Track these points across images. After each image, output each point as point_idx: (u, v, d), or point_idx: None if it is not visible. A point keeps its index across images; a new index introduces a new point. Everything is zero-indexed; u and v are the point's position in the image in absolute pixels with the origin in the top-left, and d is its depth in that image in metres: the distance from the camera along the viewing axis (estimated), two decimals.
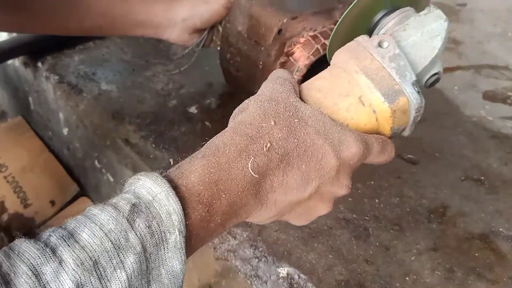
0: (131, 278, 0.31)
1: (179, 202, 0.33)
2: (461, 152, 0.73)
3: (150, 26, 0.72)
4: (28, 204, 0.96)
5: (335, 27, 0.48)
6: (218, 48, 0.76)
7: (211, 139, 0.40)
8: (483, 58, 0.96)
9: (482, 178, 0.68)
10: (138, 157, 0.72)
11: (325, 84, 0.44)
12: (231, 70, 0.74)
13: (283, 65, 0.66)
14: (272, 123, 0.39)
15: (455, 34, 1.04)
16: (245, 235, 0.60)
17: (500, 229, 0.61)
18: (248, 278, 0.58)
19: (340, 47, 0.45)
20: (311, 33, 0.65)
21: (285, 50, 0.66)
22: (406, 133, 0.46)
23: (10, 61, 1.00)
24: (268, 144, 0.38)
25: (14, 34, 0.96)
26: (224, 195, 0.36)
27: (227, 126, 0.42)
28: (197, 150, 0.39)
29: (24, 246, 0.29)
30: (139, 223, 0.32)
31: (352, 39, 0.45)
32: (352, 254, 0.58)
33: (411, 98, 0.42)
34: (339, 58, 0.44)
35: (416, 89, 0.42)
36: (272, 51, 0.65)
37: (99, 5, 0.68)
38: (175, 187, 0.34)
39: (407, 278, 0.55)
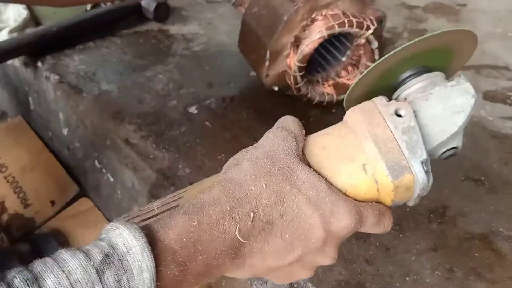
0: None
1: (153, 259, 0.32)
2: (461, 152, 0.72)
3: None
4: (28, 204, 0.96)
5: (358, 78, 0.45)
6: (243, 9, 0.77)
7: (197, 193, 0.38)
8: (483, 58, 0.96)
9: (482, 178, 0.68)
10: (138, 157, 0.72)
11: (331, 143, 0.42)
12: (251, 23, 0.74)
13: (304, 28, 0.70)
14: (263, 185, 0.38)
15: None
16: None
17: (500, 229, 0.61)
18: (248, 278, 0.58)
19: (358, 100, 0.43)
20: (341, 12, 0.70)
21: (313, 16, 0.70)
22: (410, 204, 0.43)
23: (10, 61, 1.00)
24: (252, 213, 0.37)
25: (15, 34, 0.96)
26: (200, 256, 0.35)
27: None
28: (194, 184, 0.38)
29: None
30: (108, 275, 0.31)
31: (372, 95, 0.43)
32: (352, 254, 0.58)
33: (417, 177, 0.39)
34: (352, 117, 0.42)
35: (424, 168, 0.39)
36: (302, 9, 0.69)
37: None
38: (151, 242, 0.33)
39: (407, 278, 0.55)
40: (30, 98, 1.02)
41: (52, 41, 0.92)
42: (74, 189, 0.99)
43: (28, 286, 0.29)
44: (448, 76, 0.46)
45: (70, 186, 0.99)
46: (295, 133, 0.41)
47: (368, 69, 0.44)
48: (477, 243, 0.59)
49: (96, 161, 0.85)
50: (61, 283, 0.30)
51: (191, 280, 0.36)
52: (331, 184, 0.40)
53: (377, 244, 0.59)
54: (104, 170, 0.84)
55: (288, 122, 0.42)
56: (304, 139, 0.42)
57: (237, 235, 0.36)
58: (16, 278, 0.30)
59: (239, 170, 0.39)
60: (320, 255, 0.40)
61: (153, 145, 0.72)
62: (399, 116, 0.40)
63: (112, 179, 0.82)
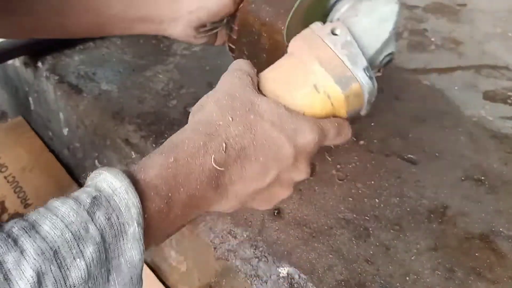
0: (90, 266, 0.32)
1: (137, 196, 0.35)
2: (461, 152, 0.73)
3: (152, 21, 0.69)
4: (28, 204, 0.96)
5: (292, 11, 0.50)
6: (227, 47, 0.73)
7: (170, 137, 0.42)
8: (483, 58, 0.96)
9: (482, 178, 0.68)
10: (138, 157, 0.72)
11: (281, 74, 0.46)
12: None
13: None
14: (229, 119, 0.42)
15: (455, 34, 1.04)
16: (245, 235, 0.60)
17: (500, 229, 0.61)
18: (248, 278, 0.58)
19: (297, 32, 0.47)
20: None
21: None
22: (362, 112, 0.48)
23: (10, 61, 1.00)
24: (224, 144, 0.40)
25: None
26: (182, 189, 0.38)
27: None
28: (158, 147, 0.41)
29: None
30: (99, 215, 0.34)
31: (309, 24, 0.47)
32: (352, 254, 0.58)
33: (363, 83, 0.44)
34: (294, 46, 0.46)
35: (367, 74, 0.44)
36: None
37: (97, 0, 0.66)
38: (134, 182, 0.36)
39: (407, 278, 0.55)
40: (30, 98, 1.02)
41: (52, 41, 0.92)
42: (74, 189, 0.98)
43: (26, 232, 0.31)
44: None
45: (70, 186, 0.99)
46: (248, 71, 0.45)
47: (298, 1, 0.49)
48: (477, 243, 0.59)
49: (96, 161, 0.85)
50: (56, 226, 0.32)
51: (177, 212, 0.39)
52: (290, 109, 0.44)
53: (377, 244, 0.59)
54: None
55: (240, 64, 0.47)
56: (257, 77, 0.46)
57: (214, 165, 0.39)
58: (14, 227, 0.32)
59: (204, 111, 0.43)
60: (294, 171, 0.44)
61: (153, 145, 0.72)
62: (336, 35, 0.44)
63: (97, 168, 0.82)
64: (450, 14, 1.13)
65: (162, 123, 0.76)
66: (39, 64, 0.91)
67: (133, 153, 0.73)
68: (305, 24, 0.47)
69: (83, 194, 0.35)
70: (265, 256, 0.58)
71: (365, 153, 0.72)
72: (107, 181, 0.36)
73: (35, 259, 0.30)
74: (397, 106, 0.82)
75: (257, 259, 0.58)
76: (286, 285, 0.56)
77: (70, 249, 0.32)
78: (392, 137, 0.75)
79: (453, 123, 0.79)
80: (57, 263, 0.31)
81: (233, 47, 0.69)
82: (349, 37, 0.44)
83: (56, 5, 0.66)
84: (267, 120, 0.42)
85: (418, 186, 0.67)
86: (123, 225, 0.34)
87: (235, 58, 0.69)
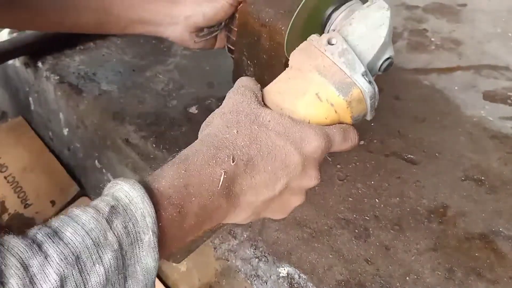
0: (109, 272, 0.34)
1: (152, 205, 0.36)
2: (461, 152, 0.73)
3: (151, 23, 0.69)
4: (28, 204, 0.96)
5: (290, 24, 0.52)
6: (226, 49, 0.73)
7: (181, 151, 0.43)
8: (483, 58, 0.96)
9: (482, 178, 0.68)
10: (139, 157, 0.72)
11: (283, 86, 0.47)
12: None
13: None
14: (235, 132, 0.43)
15: (455, 34, 1.05)
16: (245, 235, 0.60)
17: (500, 229, 0.61)
18: (248, 278, 0.58)
19: (296, 45, 0.48)
20: None
21: None
22: (368, 117, 0.49)
23: (10, 61, 1.00)
24: (232, 156, 0.42)
25: (15, 34, 0.96)
26: (194, 198, 0.39)
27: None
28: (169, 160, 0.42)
29: (13, 242, 0.32)
30: (116, 223, 0.35)
31: (307, 37, 0.48)
32: (352, 254, 0.58)
33: (363, 88, 0.45)
34: (294, 59, 0.48)
35: (367, 79, 0.45)
36: None
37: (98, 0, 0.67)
38: (149, 191, 0.37)
39: (407, 278, 0.55)
40: (30, 98, 1.02)
41: (53, 41, 0.93)
42: (75, 189, 0.99)
43: (50, 238, 0.33)
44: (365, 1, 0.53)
45: (71, 186, 0.99)
46: (251, 87, 0.47)
47: (293, 17, 0.51)
48: (477, 243, 0.59)
49: (96, 161, 0.85)
50: (77, 232, 0.34)
51: (190, 222, 0.40)
52: (294, 118, 0.45)
53: (377, 244, 0.59)
54: (104, 170, 0.84)
55: (244, 81, 0.48)
56: (261, 91, 0.48)
57: (223, 176, 0.41)
58: (39, 233, 0.33)
59: (212, 126, 0.45)
60: (304, 178, 0.45)
61: (154, 145, 0.72)
62: (332, 44, 0.46)
63: (112, 179, 0.82)
64: (450, 14, 1.13)
65: (162, 123, 0.76)
66: (39, 64, 0.91)
67: (133, 153, 0.73)
68: (304, 37, 0.49)
69: (102, 203, 0.36)
70: (265, 256, 0.58)
71: (365, 153, 0.72)
72: (124, 191, 0.37)
73: (58, 263, 0.32)
74: (397, 106, 0.82)
75: (257, 259, 0.58)
76: (286, 285, 0.56)
77: (90, 255, 0.33)
78: (392, 137, 0.75)
79: (453, 123, 0.79)
80: (78, 268, 0.33)
81: (233, 48, 0.69)
82: (345, 45, 0.45)
83: (57, 2, 0.66)
84: (272, 130, 0.44)
85: (418, 186, 0.67)
86: (139, 233, 0.36)
87: (234, 60, 0.69)
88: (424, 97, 0.85)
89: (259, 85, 0.49)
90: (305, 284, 0.55)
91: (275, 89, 0.48)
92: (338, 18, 0.53)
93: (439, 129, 0.77)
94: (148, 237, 0.36)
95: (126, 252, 0.35)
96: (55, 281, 0.31)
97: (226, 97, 0.47)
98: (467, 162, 0.71)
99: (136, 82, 0.86)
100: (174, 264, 0.54)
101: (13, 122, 1.08)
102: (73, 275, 0.32)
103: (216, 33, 0.72)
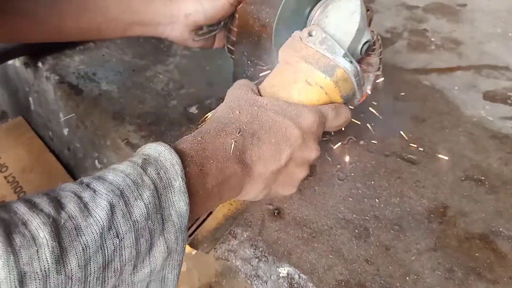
0: (149, 208, 0.38)
1: (179, 157, 0.41)
2: (461, 152, 0.73)
3: (149, 24, 0.69)
4: None
5: (273, 30, 0.59)
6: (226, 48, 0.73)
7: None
8: (483, 58, 0.96)
9: (482, 178, 0.68)
10: None
11: (276, 80, 0.54)
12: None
13: None
14: (238, 112, 0.49)
15: (455, 34, 1.05)
16: (245, 235, 0.60)
17: (500, 229, 0.61)
18: (248, 278, 0.58)
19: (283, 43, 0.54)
20: None
21: None
22: (357, 96, 0.55)
23: (10, 61, 1.00)
24: (239, 129, 0.48)
25: None
26: (212, 161, 0.45)
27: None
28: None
29: (64, 184, 0.37)
30: (150, 170, 0.40)
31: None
32: (352, 254, 0.58)
33: (346, 67, 0.51)
34: (282, 55, 0.54)
35: (347, 59, 0.51)
36: None
37: (95, 2, 0.66)
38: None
39: (407, 278, 0.55)
40: (30, 98, 1.02)
41: (53, 42, 0.92)
42: None
43: (95, 180, 0.38)
44: None
45: None
46: (248, 85, 0.53)
47: (275, 20, 0.58)
48: (477, 243, 0.59)
49: (96, 161, 0.85)
50: (118, 176, 0.38)
51: (212, 183, 0.44)
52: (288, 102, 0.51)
53: (377, 244, 0.59)
54: None
55: (241, 81, 0.55)
56: (257, 88, 0.54)
57: (234, 143, 0.46)
58: (84, 179, 0.38)
59: (216, 113, 0.51)
60: (305, 150, 0.51)
61: None
62: (312, 35, 0.52)
63: None
64: (450, 14, 1.13)
65: (162, 123, 0.76)
66: (39, 64, 0.91)
67: (133, 153, 0.73)
68: (290, 35, 0.55)
69: (135, 158, 0.41)
70: (265, 256, 0.58)
71: (365, 153, 0.72)
72: (152, 148, 0.42)
73: (107, 194, 0.36)
74: (397, 106, 0.82)
75: (257, 259, 0.58)
76: (286, 285, 0.56)
77: (132, 192, 0.38)
78: (392, 137, 0.75)
79: (453, 123, 0.79)
80: (123, 201, 0.37)
81: (232, 49, 0.69)
82: (324, 34, 0.51)
83: (54, 7, 0.66)
84: (270, 109, 0.50)
85: (418, 186, 0.67)
86: (170, 179, 0.40)
87: (234, 60, 0.69)
88: (424, 97, 0.85)
89: (254, 84, 0.54)
90: (305, 284, 0.55)
91: (269, 83, 0.54)
92: (316, 14, 0.60)
93: (439, 129, 0.77)
94: (179, 183, 0.40)
95: (161, 195, 0.39)
96: (106, 206, 0.36)
97: (226, 94, 0.53)
98: (467, 162, 0.71)
99: (136, 82, 0.86)
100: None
101: (13, 122, 1.08)
102: (119, 204, 0.36)
103: (215, 32, 0.72)
